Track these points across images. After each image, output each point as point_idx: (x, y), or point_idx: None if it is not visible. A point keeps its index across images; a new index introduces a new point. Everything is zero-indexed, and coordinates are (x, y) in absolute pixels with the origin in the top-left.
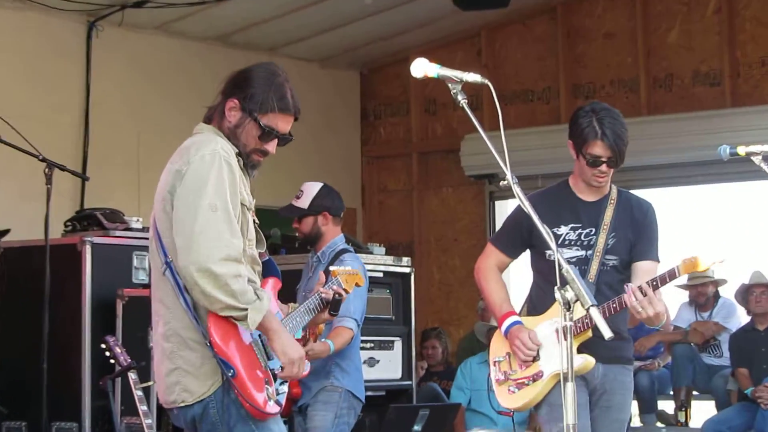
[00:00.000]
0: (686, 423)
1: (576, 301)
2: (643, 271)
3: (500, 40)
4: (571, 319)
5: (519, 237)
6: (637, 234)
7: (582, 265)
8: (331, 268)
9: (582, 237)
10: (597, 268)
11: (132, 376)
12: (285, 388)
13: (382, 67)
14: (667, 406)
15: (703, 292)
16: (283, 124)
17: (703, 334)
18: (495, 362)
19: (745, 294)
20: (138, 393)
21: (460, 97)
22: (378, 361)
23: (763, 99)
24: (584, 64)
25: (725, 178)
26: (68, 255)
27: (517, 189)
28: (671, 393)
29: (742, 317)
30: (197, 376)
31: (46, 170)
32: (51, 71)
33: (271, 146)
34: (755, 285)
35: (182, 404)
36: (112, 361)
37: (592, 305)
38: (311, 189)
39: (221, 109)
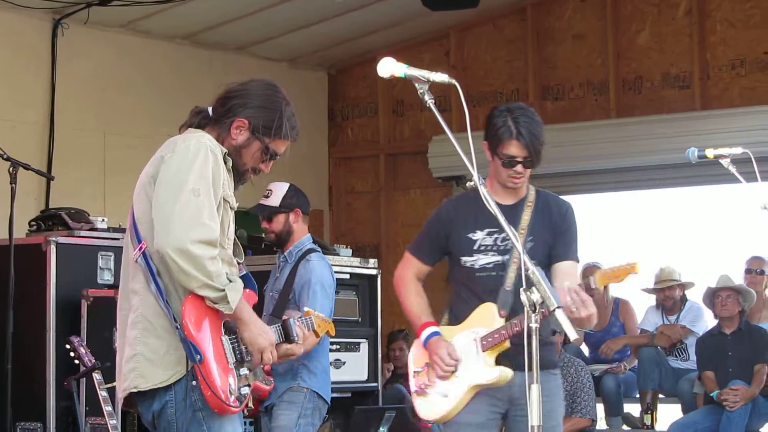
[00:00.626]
0: (652, 426)
1: (542, 303)
2: (563, 272)
3: (469, 40)
4: (537, 321)
5: (436, 244)
6: (555, 235)
7: (500, 270)
8: (305, 308)
9: (498, 242)
10: (515, 274)
11: (96, 376)
12: (247, 391)
13: (349, 68)
14: (633, 409)
15: (670, 296)
16: (284, 148)
17: (669, 337)
18: (414, 373)
19: (711, 297)
20: (102, 393)
21: (427, 97)
22: (344, 363)
23: (732, 102)
24: (553, 65)
25: (694, 181)
26: (33, 255)
27: (483, 190)
28: (637, 396)
29: (709, 321)
30: (158, 364)
31: (11, 169)
32: (15, 69)
33: (267, 166)
34: (721, 289)
35: (134, 389)
36: (76, 361)
37: (558, 307)
38: (280, 188)
39: (226, 125)
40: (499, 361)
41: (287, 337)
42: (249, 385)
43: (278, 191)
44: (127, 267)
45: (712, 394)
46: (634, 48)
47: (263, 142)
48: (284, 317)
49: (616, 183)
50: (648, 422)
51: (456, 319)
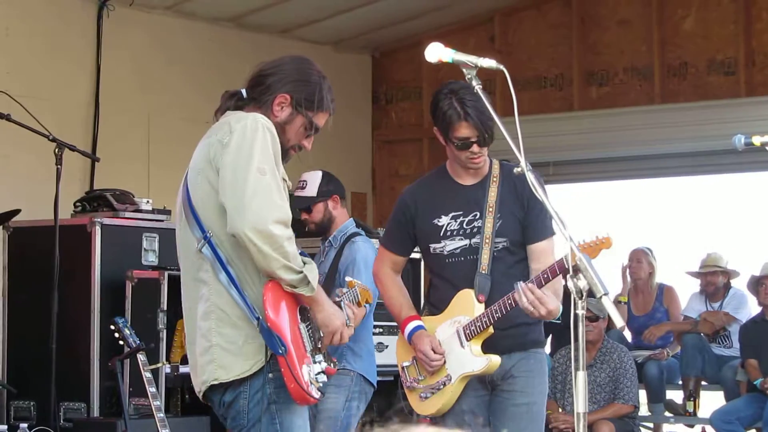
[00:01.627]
0: (695, 413)
1: (588, 289)
2: (540, 251)
3: (514, 25)
4: (584, 308)
5: (406, 233)
6: (525, 209)
7: (470, 254)
8: (347, 278)
9: (464, 225)
10: (489, 255)
11: (141, 357)
12: (324, 378)
13: (394, 51)
14: (675, 395)
15: (712, 281)
16: (324, 121)
17: (713, 324)
18: (403, 368)
19: (755, 285)
20: (146, 374)
21: (474, 83)
22: (387, 347)
23: None
24: (598, 51)
25: (739, 168)
26: (78, 236)
27: (530, 177)
28: (680, 383)
29: (752, 308)
30: (237, 354)
31: (56, 150)
32: (61, 51)
33: (309, 142)
34: (765, 276)
35: (215, 381)
36: (121, 342)
37: (604, 294)
38: (314, 177)
39: (267, 102)
40: (485, 348)
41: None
42: (323, 371)
43: (313, 180)
44: (189, 256)
45: (755, 382)
46: (679, 34)
47: (306, 116)
48: (335, 299)
49: (660, 169)
50: (690, 409)
51: (434, 308)
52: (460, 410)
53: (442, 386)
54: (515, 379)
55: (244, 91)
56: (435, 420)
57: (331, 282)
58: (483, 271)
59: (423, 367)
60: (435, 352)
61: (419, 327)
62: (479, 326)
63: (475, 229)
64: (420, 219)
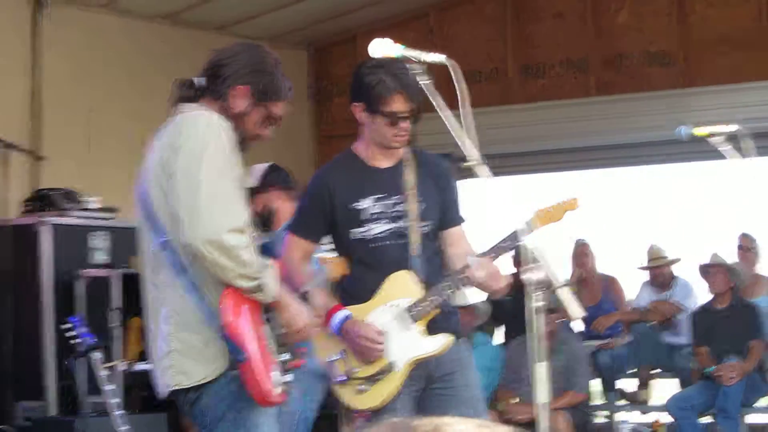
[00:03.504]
0: (646, 401)
1: (546, 281)
2: (459, 236)
3: (449, 19)
4: (541, 300)
5: (322, 218)
6: (443, 195)
7: (397, 238)
8: (318, 254)
9: (388, 209)
10: (419, 238)
11: (96, 355)
12: (290, 377)
13: (330, 46)
14: (625, 384)
15: (661, 273)
16: (281, 109)
17: (662, 313)
18: (330, 363)
19: (704, 273)
20: (102, 373)
21: (421, 78)
22: None
23: (716, 79)
24: (534, 44)
25: (677, 158)
26: (26, 236)
27: (482, 170)
28: (630, 372)
29: (699, 297)
30: (197, 359)
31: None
32: None
33: (269, 132)
34: (711, 265)
35: (177, 387)
36: (75, 340)
37: (563, 285)
38: (258, 169)
39: (224, 94)
40: (429, 330)
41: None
42: (290, 370)
43: (257, 172)
44: (150, 259)
45: (706, 371)
46: (614, 26)
47: (266, 107)
48: (302, 289)
49: (598, 160)
50: (644, 397)
51: (353, 298)
52: (397, 408)
53: (383, 375)
54: (453, 375)
55: (196, 80)
56: (374, 414)
57: None
58: (414, 254)
59: (357, 358)
60: (379, 336)
61: (349, 316)
62: (426, 307)
63: (399, 213)
64: (339, 203)
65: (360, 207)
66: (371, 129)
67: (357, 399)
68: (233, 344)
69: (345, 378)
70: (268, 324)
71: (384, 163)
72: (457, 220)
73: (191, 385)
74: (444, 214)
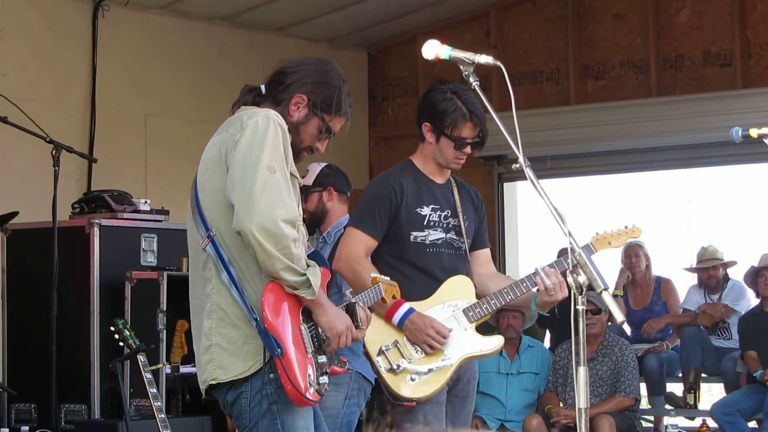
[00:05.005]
0: (695, 405)
1: (588, 285)
2: (488, 257)
3: (509, 20)
4: (584, 303)
5: (387, 217)
6: (478, 220)
7: (447, 248)
8: (372, 274)
9: (442, 219)
10: (467, 251)
11: (141, 358)
12: (325, 379)
13: (389, 48)
14: (675, 388)
15: (713, 275)
16: (340, 125)
17: (712, 316)
18: (381, 351)
19: (754, 277)
20: (147, 376)
21: (471, 79)
22: None
23: None
24: (594, 44)
25: (735, 160)
26: (76, 237)
27: (529, 172)
28: (680, 375)
29: (751, 300)
30: (236, 354)
31: (54, 152)
32: (57, 52)
33: (323, 145)
34: (765, 268)
35: (213, 381)
36: (121, 343)
37: (604, 289)
38: (316, 167)
39: (284, 101)
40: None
41: (351, 320)
42: (327, 373)
43: (313, 170)
44: (197, 254)
45: (755, 374)
46: (675, 26)
47: (322, 119)
48: (351, 300)
49: (656, 162)
50: (691, 401)
51: (405, 298)
52: (441, 401)
53: (437, 368)
54: (468, 384)
55: (263, 87)
56: (419, 404)
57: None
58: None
59: (408, 348)
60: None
61: (413, 309)
62: (485, 309)
63: (450, 225)
64: (405, 206)
65: (423, 213)
66: (435, 147)
67: (408, 387)
68: (270, 338)
69: (395, 367)
70: (309, 326)
71: (439, 179)
72: (487, 243)
73: (228, 380)
74: (477, 236)
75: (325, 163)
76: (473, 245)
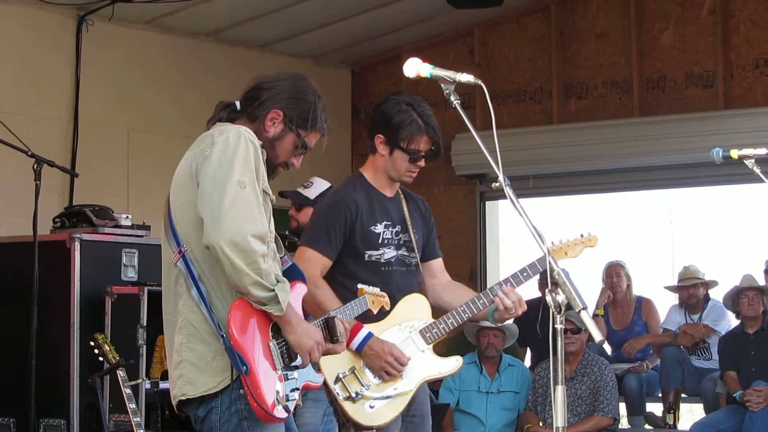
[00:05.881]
0: (674, 425)
1: (567, 304)
2: (440, 267)
3: (493, 39)
4: (562, 323)
5: (341, 236)
6: (427, 230)
7: (400, 265)
8: (359, 285)
9: (394, 236)
10: (418, 267)
11: (121, 373)
12: (295, 395)
13: (374, 65)
14: (655, 408)
15: (694, 294)
16: (315, 141)
17: (692, 336)
18: (339, 379)
19: (735, 297)
20: (126, 391)
21: (452, 98)
22: None
23: (756, 101)
24: (577, 64)
25: (717, 181)
26: (57, 251)
27: (509, 191)
28: (659, 395)
29: (731, 320)
30: (205, 370)
31: (35, 166)
32: (40, 66)
33: (299, 160)
34: (747, 288)
35: (183, 397)
36: (100, 358)
37: (583, 308)
38: (321, 184)
39: (260, 117)
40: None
41: (330, 335)
42: (298, 388)
43: (318, 186)
44: (169, 270)
45: (734, 395)
46: (658, 47)
47: (298, 134)
48: (330, 314)
49: (639, 182)
50: (670, 422)
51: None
52: (397, 425)
53: (396, 394)
54: (422, 405)
55: (237, 103)
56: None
57: None
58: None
59: (366, 374)
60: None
61: (371, 334)
62: (441, 329)
63: (401, 241)
64: (359, 224)
65: (377, 231)
66: (387, 160)
67: (367, 416)
68: (235, 355)
69: (353, 395)
70: (278, 342)
71: (388, 192)
72: (438, 253)
73: (196, 396)
74: (427, 246)
75: (329, 183)
76: (424, 256)
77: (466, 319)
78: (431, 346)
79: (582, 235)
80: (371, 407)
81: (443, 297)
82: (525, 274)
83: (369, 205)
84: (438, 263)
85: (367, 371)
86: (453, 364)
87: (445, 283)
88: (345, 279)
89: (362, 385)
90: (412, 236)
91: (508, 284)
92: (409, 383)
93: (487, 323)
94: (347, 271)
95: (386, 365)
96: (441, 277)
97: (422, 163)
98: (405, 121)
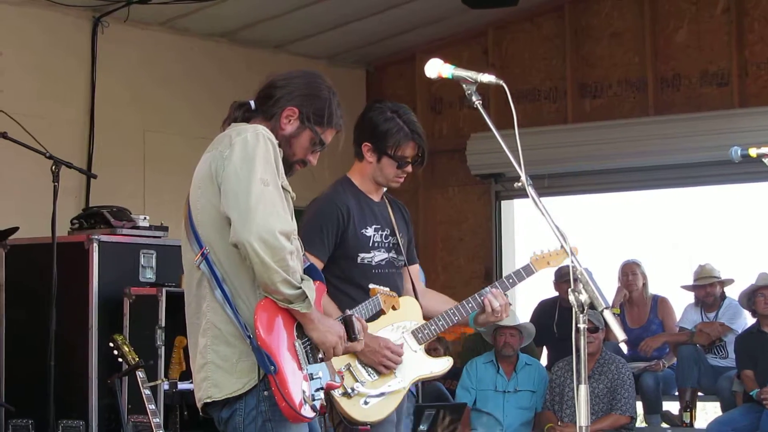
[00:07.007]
0: (691, 424)
1: (590, 303)
2: (417, 273)
3: (507, 38)
4: (585, 322)
5: (334, 238)
6: (409, 235)
7: (390, 267)
8: (371, 286)
9: (384, 239)
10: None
11: (139, 374)
12: (321, 394)
13: (388, 65)
14: (672, 407)
15: (711, 293)
16: (331, 137)
17: (708, 335)
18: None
19: (751, 296)
20: (145, 392)
21: (474, 98)
22: None
23: None
24: (591, 63)
25: (732, 179)
26: (75, 253)
27: (531, 190)
28: (676, 394)
29: (748, 318)
30: (231, 372)
31: (53, 168)
32: (56, 68)
33: (315, 157)
34: (763, 287)
35: (208, 400)
36: (119, 359)
37: (606, 308)
38: None
39: (275, 115)
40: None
41: (349, 333)
42: (322, 388)
43: None
44: (191, 272)
45: (751, 393)
46: (672, 46)
47: (314, 131)
48: (347, 312)
49: (654, 181)
50: (687, 420)
51: None
52: (393, 420)
53: (390, 390)
54: (403, 404)
55: (252, 102)
56: (373, 427)
57: None
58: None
59: (360, 371)
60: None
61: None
62: (433, 330)
63: (390, 244)
64: (351, 227)
65: (368, 234)
66: (375, 167)
67: (362, 411)
68: (264, 355)
69: (349, 391)
70: (303, 342)
71: (375, 197)
72: (416, 260)
73: (222, 398)
74: (407, 252)
75: None
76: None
77: (456, 321)
78: (423, 346)
79: (562, 246)
80: (366, 403)
81: (422, 303)
82: (511, 280)
83: (359, 209)
84: (414, 269)
85: (361, 368)
86: (444, 364)
87: (422, 290)
88: (338, 281)
89: (357, 382)
90: (399, 239)
91: (497, 288)
92: (402, 381)
93: (478, 328)
94: (340, 273)
95: (384, 359)
96: (417, 283)
97: (409, 168)
98: (392, 128)
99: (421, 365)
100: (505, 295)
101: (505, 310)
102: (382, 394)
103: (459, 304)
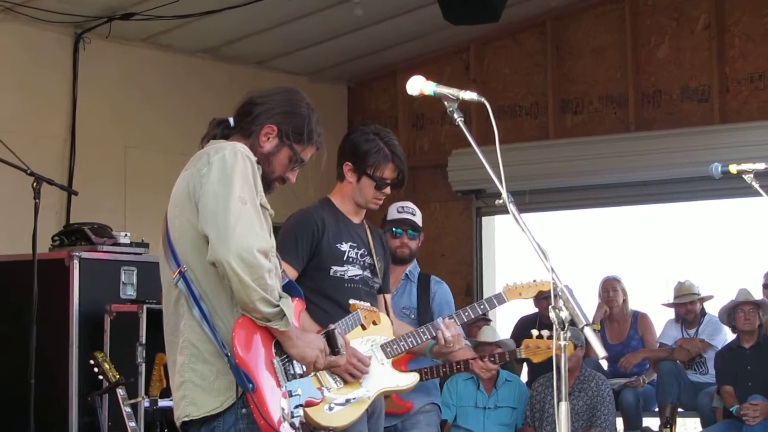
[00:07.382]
0: None
1: (570, 320)
2: (389, 303)
3: (489, 54)
4: (566, 339)
5: (308, 249)
6: (385, 263)
7: (363, 284)
8: (351, 301)
9: (359, 257)
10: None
11: (120, 392)
12: (300, 411)
13: (369, 81)
14: (652, 423)
15: (691, 310)
16: (310, 154)
17: (689, 351)
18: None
19: (731, 312)
20: (126, 409)
21: (456, 115)
22: None
23: (751, 115)
24: (573, 79)
25: (713, 195)
26: (56, 270)
27: (512, 207)
28: (656, 410)
29: (728, 334)
30: (208, 390)
31: (34, 184)
32: (38, 84)
33: (294, 175)
34: (744, 303)
35: (186, 418)
36: (100, 376)
37: (586, 324)
38: (418, 211)
39: (254, 132)
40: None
41: (331, 347)
42: (302, 405)
43: (419, 214)
44: (169, 290)
45: (731, 409)
46: (653, 62)
47: (293, 148)
48: (330, 326)
49: (634, 197)
50: None
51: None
52: (356, 429)
53: (355, 398)
54: (379, 419)
55: (231, 120)
56: None
57: (425, 315)
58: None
59: (328, 378)
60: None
61: None
62: (401, 346)
63: (366, 263)
64: (326, 240)
65: (342, 248)
66: (355, 187)
67: (325, 417)
68: (242, 373)
69: (319, 396)
70: (282, 359)
71: (355, 219)
72: (390, 290)
73: (200, 417)
74: (383, 279)
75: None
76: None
77: (424, 340)
78: (391, 360)
79: (535, 280)
80: (330, 409)
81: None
82: (466, 314)
83: (336, 226)
84: (388, 299)
85: (327, 375)
86: (410, 379)
87: (391, 318)
88: (310, 293)
89: (323, 386)
90: (375, 261)
91: (451, 319)
92: (367, 391)
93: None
94: (313, 285)
95: (350, 367)
96: (390, 313)
97: (388, 190)
98: (372, 149)
99: (388, 378)
100: (465, 324)
101: (457, 341)
102: (347, 401)
103: (414, 330)
